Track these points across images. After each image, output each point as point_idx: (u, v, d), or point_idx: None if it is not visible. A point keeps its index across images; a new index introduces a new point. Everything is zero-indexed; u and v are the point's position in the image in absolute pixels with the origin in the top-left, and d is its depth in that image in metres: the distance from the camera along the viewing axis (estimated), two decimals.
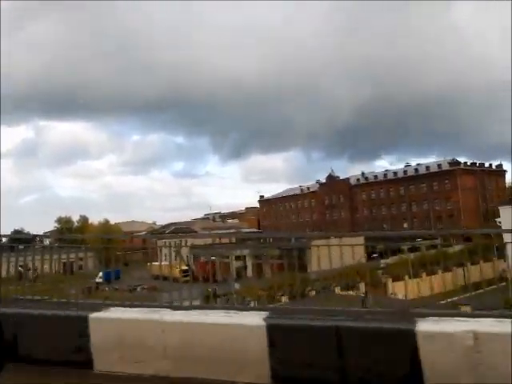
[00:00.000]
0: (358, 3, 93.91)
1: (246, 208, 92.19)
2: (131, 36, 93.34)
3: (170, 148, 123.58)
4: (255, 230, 70.25)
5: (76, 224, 71.57)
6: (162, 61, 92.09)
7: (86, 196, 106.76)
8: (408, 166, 71.37)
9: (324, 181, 77.38)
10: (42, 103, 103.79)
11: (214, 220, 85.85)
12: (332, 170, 77.06)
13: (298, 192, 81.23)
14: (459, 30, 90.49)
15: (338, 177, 75.82)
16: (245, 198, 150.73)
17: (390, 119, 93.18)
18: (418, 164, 69.63)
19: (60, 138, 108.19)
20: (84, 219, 72.47)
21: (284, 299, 17.88)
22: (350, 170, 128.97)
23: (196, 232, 49.35)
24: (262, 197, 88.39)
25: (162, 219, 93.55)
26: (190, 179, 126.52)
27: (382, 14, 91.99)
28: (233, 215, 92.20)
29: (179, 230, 59.46)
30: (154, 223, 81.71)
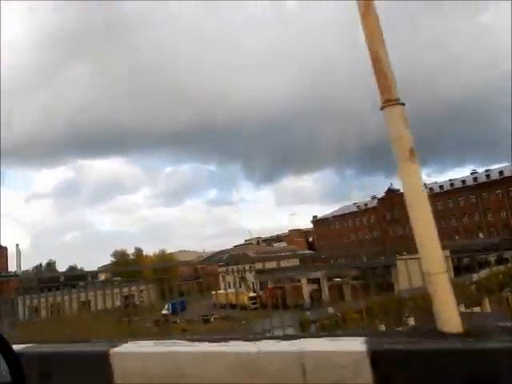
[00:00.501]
0: (383, 14, 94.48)
1: (289, 230, 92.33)
2: (159, 70, 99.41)
3: (202, 177, 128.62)
4: (311, 252, 69.21)
5: (131, 256, 74.99)
6: (189, 91, 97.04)
7: (124, 230, 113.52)
8: (475, 172, 67.33)
9: (378, 195, 74.95)
10: (80, 143, 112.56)
11: (258, 244, 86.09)
12: (391, 184, 74.59)
13: (355, 209, 79.11)
14: (492, 34, 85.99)
15: (398, 190, 73.15)
16: (279, 220, 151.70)
17: (423, 130, 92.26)
18: (487, 170, 65.53)
19: (97, 175, 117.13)
20: (139, 251, 75.74)
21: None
22: (387, 185, 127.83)
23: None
24: (315, 217, 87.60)
25: (199, 247, 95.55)
26: (224, 206, 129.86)
27: (407, 24, 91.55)
28: (277, 238, 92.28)
29: (235, 257, 59.75)
30: (203, 251, 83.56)
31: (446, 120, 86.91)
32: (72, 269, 69.08)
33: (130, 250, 75.93)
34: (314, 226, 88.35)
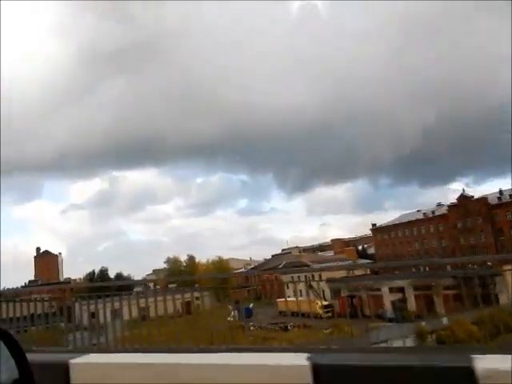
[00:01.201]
0: (417, 22, 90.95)
1: (332, 240, 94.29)
2: (191, 81, 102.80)
3: (234, 187, 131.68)
4: (369, 261, 68.19)
5: (184, 263, 77.65)
6: (221, 101, 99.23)
7: (156, 239, 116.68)
8: None
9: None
10: (114, 156, 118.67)
11: (300, 253, 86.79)
12: (463, 190, 70.90)
13: (419, 217, 76.00)
14: None
15: (472, 196, 69.45)
16: (310, 231, 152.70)
17: (460, 139, 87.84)
18: None
19: (130, 186, 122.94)
20: (191, 258, 78.16)
21: None
22: (422, 195, 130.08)
23: (308, 266, 48.72)
24: (374, 225, 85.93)
25: (245, 256, 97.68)
26: (255, 216, 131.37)
27: (443, 31, 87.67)
28: (319, 248, 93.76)
29: (290, 265, 59.81)
30: (250, 259, 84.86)
31: (487, 128, 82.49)
32: (119, 276, 72.73)
33: (183, 257, 78.72)
34: (372, 234, 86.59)
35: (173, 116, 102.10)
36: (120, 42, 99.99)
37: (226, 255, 80.00)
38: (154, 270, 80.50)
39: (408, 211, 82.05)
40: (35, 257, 77.59)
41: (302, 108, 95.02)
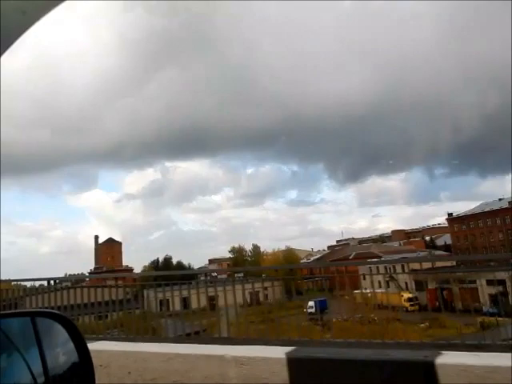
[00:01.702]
0: (477, 4, 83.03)
1: (393, 231, 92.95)
2: (242, 71, 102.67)
3: (284, 177, 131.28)
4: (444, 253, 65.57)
5: (249, 253, 79.51)
6: (272, 92, 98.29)
7: (206, 229, 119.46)
8: None
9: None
10: (167, 146, 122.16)
11: (360, 244, 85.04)
12: None
13: (504, 205, 71.03)
14: None
15: None
16: (362, 222, 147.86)
17: None
18: None
19: (182, 176, 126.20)
20: (256, 248, 79.74)
21: None
22: (481, 185, 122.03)
23: (380, 257, 47.51)
24: (450, 214, 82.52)
25: (306, 246, 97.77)
26: (305, 207, 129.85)
27: (507, 14, 78.83)
28: (380, 239, 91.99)
29: (362, 256, 58.90)
30: (312, 250, 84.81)
31: None
32: (180, 265, 75.75)
33: (248, 247, 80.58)
34: (449, 224, 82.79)
35: (225, 107, 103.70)
36: (173, 34, 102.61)
37: (277, 246, 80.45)
38: (209, 260, 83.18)
39: (490, 200, 77.68)
40: (99, 244, 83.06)
41: (355, 97, 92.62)
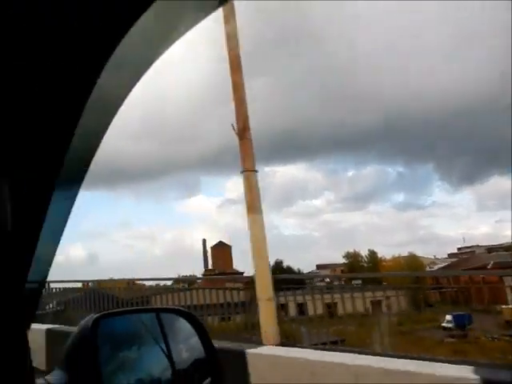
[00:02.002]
0: None
1: None
2: (341, 72, 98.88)
3: (388, 179, 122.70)
4: None
5: (365, 259, 77.43)
6: (374, 92, 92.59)
7: (307, 233, 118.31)
8: None
9: None
10: (265, 151, 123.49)
11: (489, 252, 75.63)
12: None
13: None
14: None
15: None
16: (483, 227, 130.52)
17: None
18: None
19: (281, 180, 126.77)
20: (373, 253, 77.32)
21: None
22: None
23: None
24: None
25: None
26: (414, 211, 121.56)
27: None
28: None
29: (501, 265, 53.19)
30: (434, 257, 78.66)
31: None
32: (289, 269, 76.33)
33: (364, 252, 78.64)
34: None
35: (323, 108, 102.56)
36: (267, 36, 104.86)
37: (385, 253, 76.04)
38: (318, 265, 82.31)
39: None
40: (211, 247, 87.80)
41: (467, 91, 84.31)
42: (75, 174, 0.88)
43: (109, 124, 0.83)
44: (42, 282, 0.98)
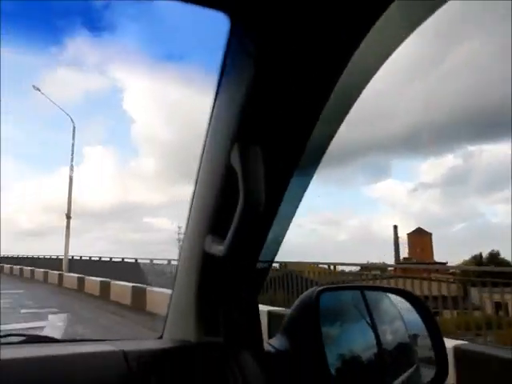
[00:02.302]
0: None
1: None
2: None
3: None
4: None
5: None
6: None
7: None
8: None
9: None
10: (469, 129, 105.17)
11: None
12: None
13: None
14: None
15: None
16: None
17: None
18: None
19: (489, 161, 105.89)
20: None
21: None
22: None
23: None
24: None
25: None
26: None
27: None
28: None
29: None
30: None
31: None
32: (506, 262, 66.86)
33: None
34: None
35: None
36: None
37: None
38: None
39: None
40: (408, 234, 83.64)
41: None
42: (312, 159, 0.92)
43: (350, 108, 0.85)
44: (271, 262, 1.08)
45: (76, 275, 18.39)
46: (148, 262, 15.23)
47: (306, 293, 1.12)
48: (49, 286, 19.74)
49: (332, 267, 8.86)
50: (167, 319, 1.21)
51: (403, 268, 20.26)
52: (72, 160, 22.41)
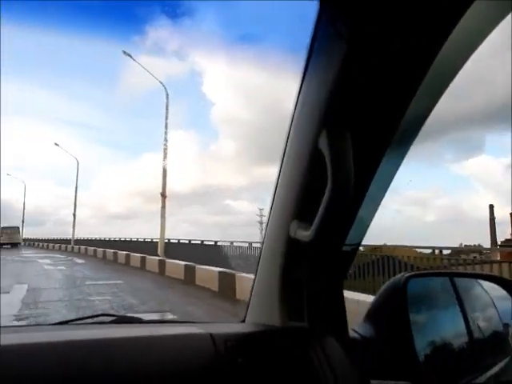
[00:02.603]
0: None
1: None
2: None
3: None
4: None
5: None
6: None
7: None
8: None
9: None
10: None
11: None
12: None
13: None
14: None
15: None
16: None
17: None
18: None
19: None
20: None
21: None
22: None
23: None
24: None
25: None
26: None
27: None
28: None
29: None
30: None
31: None
32: None
33: None
34: None
35: None
36: None
37: None
38: None
39: None
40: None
41: None
42: (404, 141, 0.90)
43: (440, 95, 0.84)
44: (357, 246, 1.06)
45: (181, 262, 15.46)
46: (228, 244, 14.62)
47: (393, 279, 1.10)
48: (148, 274, 17.18)
49: (437, 251, 8.54)
50: (250, 303, 1.22)
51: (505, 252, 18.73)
52: (166, 134, 21.65)
